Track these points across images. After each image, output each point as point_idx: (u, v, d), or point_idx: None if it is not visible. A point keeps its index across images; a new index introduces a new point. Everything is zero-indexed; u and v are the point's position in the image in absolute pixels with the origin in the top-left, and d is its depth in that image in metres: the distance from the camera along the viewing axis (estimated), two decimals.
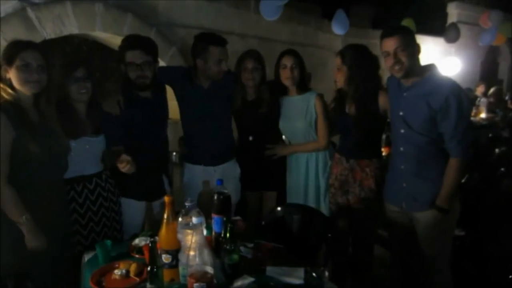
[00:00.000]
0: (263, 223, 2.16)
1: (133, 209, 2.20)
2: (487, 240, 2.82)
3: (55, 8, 2.48)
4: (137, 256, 1.69)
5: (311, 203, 2.47)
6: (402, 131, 1.98)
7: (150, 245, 1.41)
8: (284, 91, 2.49)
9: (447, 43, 7.37)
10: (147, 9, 3.11)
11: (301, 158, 2.51)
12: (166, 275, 1.45)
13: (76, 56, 4.38)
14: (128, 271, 1.55)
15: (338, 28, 4.88)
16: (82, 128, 1.95)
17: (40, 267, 1.67)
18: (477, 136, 4.14)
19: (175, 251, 1.47)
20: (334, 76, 2.31)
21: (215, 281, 1.34)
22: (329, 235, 1.94)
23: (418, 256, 2.04)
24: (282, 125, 2.51)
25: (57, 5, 2.50)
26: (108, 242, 1.74)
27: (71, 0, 2.54)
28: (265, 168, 2.51)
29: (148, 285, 1.38)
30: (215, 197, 1.66)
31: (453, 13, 7.94)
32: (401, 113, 1.97)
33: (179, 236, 1.48)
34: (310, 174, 2.49)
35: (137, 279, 1.52)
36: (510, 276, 2.37)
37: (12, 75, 1.66)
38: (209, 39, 2.26)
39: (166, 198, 1.50)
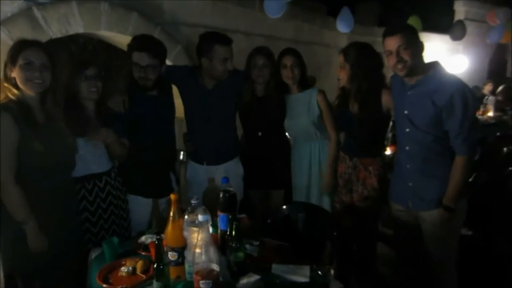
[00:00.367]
0: (268, 221, 2.16)
1: (140, 206, 2.22)
2: (494, 240, 2.80)
3: (60, 7, 2.50)
4: (143, 253, 1.70)
5: (314, 200, 2.47)
6: (407, 130, 1.96)
7: (156, 242, 1.42)
8: (286, 89, 2.49)
9: (454, 41, 7.31)
10: (152, 8, 3.12)
11: (303, 154, 2.51)
12: (172, 272, 1.45)
13: (83, 55, 4.40)
14: (134, 268, 1.56)
15: (343, 26, 4.86)
16: (91, 127, 1.95)
17: (48, 266, 1.68)
18: (485, 134, 4.10)
19: (181, 249, 1.47)
20: (337, 74, 2.30)
21: (221, 278, 1.34)
22: (334, 233, 1.93)
23: (424, 256, 2.03)
24: (286, 123, 2.52)
25: (62, 5, 2.51)
26: (115, 239, 1.75)
27: (76, 0, 2.55)
28: (272, 166, 2.52)
29: (154, 282, 1.39)
30: (221, 195, 1.67)
31: (461, 10, 7.87)
32: (405, 112, 1.96)
33: (185, 233, 1.49)
34: (314, 170, 2.49)
35: (144, 276, 1.52)
36: None
37: (15, 74, 1.66)
38: (214, 38, 2.25)
39: (172, 196, 1.51)
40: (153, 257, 1.51)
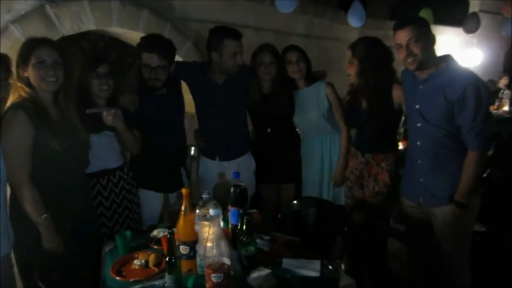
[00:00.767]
0: (279, 216, 2.17)
1: (151, 201, 2.24)
2: (508, 236, 2.76)
3: (73, 5, 2.53)
4: (155, 247, 1.72)
5: (325, 194, 2.47)
6: (419, 124, 1.94)
7: (168, 236, 1.44)
8: (292, 85, 2.49)
9: (467, 34, 7.16)
10: (162, 4, 3.13)
11: (315, 148, 2.50)
12: (184, 266, 1.47)
13: (95, 52, 4.44)
14: (147, 262, 1.59)
15: (355, 20, 4.80)
16: (103, 123, 1.98)
17: (65, 260, 1.70)
18: (499, 129, 4.03)
19: (193, 243, 1.49)
20: (346, 69, 2.29)
21: (232, 272, 1.35)
22: (345, 228, 1.93)
23: (436, 252, 2.01)
24: (295, 118, 2.52)
25: (74, 2, 2.54)
26: (128, 233, 1.78)
27: None
28: (282, 161, 2.52)
29: (166, 275, 1.41)
30: (232, 190, 1.68)
31: (475, 2, 7.69)
32: (417, 106, 1.93)
33: (197, 227, 1.50)
34: (325, 164, 2.49)
35: (156, 269, 1.54)
36: None
37: (29, 73, 1.67)
38: (224, 33, 2.25)
39: (183, 191, 1.52)
40: (165, 251, 1.52)
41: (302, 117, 2.50)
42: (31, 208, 1.65)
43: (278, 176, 2.55)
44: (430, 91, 1.87)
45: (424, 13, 5.65)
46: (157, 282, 1.46)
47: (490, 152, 2.76)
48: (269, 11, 4.06)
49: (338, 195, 2.50)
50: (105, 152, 2.00)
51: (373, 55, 2.18)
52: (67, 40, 2.63)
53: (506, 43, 8.33)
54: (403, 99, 2.11)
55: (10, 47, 2.12)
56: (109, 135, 2.01)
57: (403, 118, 2.36)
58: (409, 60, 1.85)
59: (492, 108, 5.44)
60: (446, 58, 1.88)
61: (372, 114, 2.22)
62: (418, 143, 1.97)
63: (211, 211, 1.49)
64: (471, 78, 1.79)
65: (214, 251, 1.36)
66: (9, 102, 1.64)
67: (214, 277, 1.29)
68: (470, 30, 6.86)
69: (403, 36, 1.85)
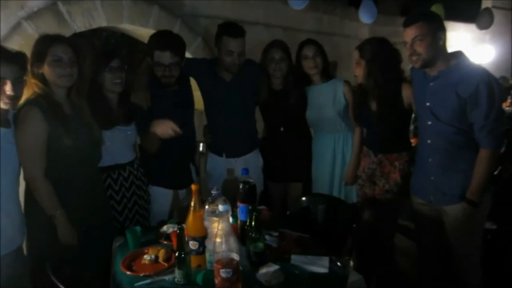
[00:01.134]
0: (288, 213, 2.17)
1: (161, 197, 2.26)
2: None
3: (84, 1, 2.55)
4: (165, 242, 1.74)
5: (336, 193, 2.46)
6: (429, 122, 1.92)
7: (178, 232, 1.45)
8: (307, 81, 2.47)
9: (480, 30, 7.04)
10: (172, 0, 3.14)
11: (326, 147, 2.49)
12: (193, 261, 1.49)
13: (109, 47, 4.48)
14: (157, 257, 1.61)
15: (366, 16, 4.76)
16: (115, 118, 2.00)
17: (78, 254, 1.74)
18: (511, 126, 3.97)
19: (202, 238, 1.50)
20: (353, 70, 2.26)
21: (240, 267, 1.36)
22: (354, 225, 1.93)
23: (447, 249, 2.00)
24: (308, 114, 2.50)
25: None
26: (138, 228, 1.80)
27: None
28: (292, 159, 2.51)
29: (176, 270, 1.43)
30: (241, 186, 1.68)
31: None
32: (427, 104, 1.91)
33: (206, 223, 1.52)
34: (337, 162, 2.47)
35: (166, 264, 1.56)
36: None
37: (44, 70, 1.69)
38: (223, 29, 2.25)
39: (193, 187, 1.54)
40: (175, 246, 1.54)
41: (315, 113, 2.48)
42: (47, 202, 1.69)
43: (286, 175, 2.54)
44: (441, 88, 1.85)
45: (436, 9, 5.56)
46: (166, 277, 1.48)
47: (502, 150, 2.72)
48: (279, 7, 4.05)
49: (350, 193, 2.49)
50: (117, 147, 2.03)
51: (380, 56, 2.16)
52: (78, 37, 2.65)
53: None
54: (413, 98, 2.09)
55: (24, 44, 2.15)
56: (121, 130, 2.04)
57: (413, 115, 2.34)
58: (413, 58, 1.85)
59: (505, 105, 5.36)
60: (457, 54, 1.86)
61: (382, 116, 2.20)
62: (429, 141, 1.95)
63: (220, 207, 1.50)
64: (484, 75, 1.77)
65: (223, 246, 1.37)
66: (23, 99, 1.66)
67: (223, 272, 1.30)
68: (483, 26, 6.75)
69: (409, 34, 1.83)
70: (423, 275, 2.19)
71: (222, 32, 2.24)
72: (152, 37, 2.15)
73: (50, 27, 2.36)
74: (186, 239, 1.49)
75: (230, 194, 1.73)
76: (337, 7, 4.96)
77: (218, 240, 1.41)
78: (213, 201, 1.57)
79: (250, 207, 1.64)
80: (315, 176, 2.55)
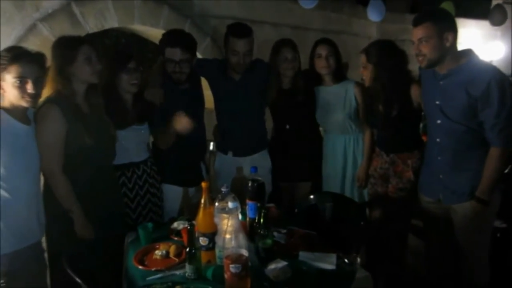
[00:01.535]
0: (296, 210, 2.19)
1: (173, 194, 2.30)
2: None
3: (97, 3, 2.60)
4: (175, 238, 1.78)
5: (348, 192, 2.46)
6: (439, 121, 1.92)
7: (188, 228, 1.49)
8: (318, 80, 2.47)
9: (492, 26, 6.94)
10: (182, 1, 3.18)
11: (337, 148, 2.49)
12: (204, 256, 1.52)
13: (121, 48, 4.54)
14: (168, 252, 1.64)
15: (374, 15, 4.73)
16: (130, 118, 2.05)
17: (92, 248, 1.78)
18: None
19: (212, 234, 1.53)
20: (361, 73, 2.26)
21: (249, 263, 1.39)
22: (362, 223, 1.94)
23: (455, 247, 2.00)
24: (319, 115, 2.50)
25: (99, 0, 2.61)
26: (150, 224, 1.84)
27: None
28: (299, 158, 2.51)
29: (187, 265, 1.47)
30: (249, 184, 1.71)
31: None
32: (437, 102, 1.91)
33: (216, 220, 1.55)
34: (348, 163, 2.47)
35: (176, 259, 1.60)
36: None
37: (76, 69, 1.75)
38: (231, 29, 2.28)
39: (203, 184, 1.57)
40: (185, 242, 1.58)
41: (326, 116, 2.48)
42: (64, 197, 1.75)
43: (293, 174, 2.54)
44: (451, 86, 1.84)
45: (446, 6, 5.51)
46: (177, 272, 1.52)
47: None
48: (287, 6, 4.06)
49: (362, 194, 2.49)
50: (131, 146, 2.08)
51: (387, 60, 2.16)
52: (91, 37, 2.70)
53: None
54: (421, 97, 2.09)
55: (39, 44, 2.21)
56: (135, 130, 2.09)
57: (423, 113, 2.34)
58: (419, 58, 1.86)
59: None
60: (467, 53, 1.86)
61: (389, 118, 2.20)
62: (438, 139, 1.95)
63: (230, 204, 1.53)
64: (495, 74, 1.76)
65: (233, 242, 1.39)
66: (44, 97, 1.72)
67: (232, 268, 1.33)
68: (496, 22, 6.66)
69: (415, 34, 1.84)
70: (431, 274, 2.20)
71: (228, 32, 2.28)
72: (164, 35, 2.22)
73: (64, 28, 2.41)
74: (197, 235, 1.52)
75: (239, 192, 1.76)
76: (345, 5, 4.95)
77: (227, 236, 1.44)
78: (223, 199, 1.60)
79: (258, 205, 1.66)
80: (326, 175, 2.55)
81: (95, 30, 2.62)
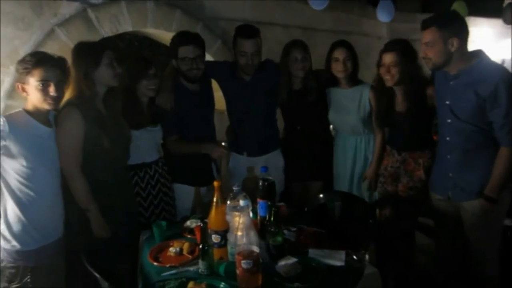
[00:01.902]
0: (305, 209, 2.23)
1: (184, 194, 2.35)
2: None
3: (111, 8, 2.67)
4: (189, 236, 1.83)
5: (355, 191, 2.48)
6: (449, 120, 1.94)
7: (202, 226, 1.54)
8: (333, 81, 2.47)
9: (505, 25, 6.85)
10: (193, 3, 3.24)
11: (348, 148, 2.50)
12: (216, 253, 1.57)
13: (143, 54, 4.65)
14: (181, 249, 1.70)
15: (384, 15, 4.72)
16: (144, 120, 2.12)
17: (109, 245, 1.85)
18: None
19: (224, 232, 1.58)
20: (382, 74, 2.21)
21: (260, 260, 1.43)
22: (370, 221, 1.97)
23: (465, 246, 2.01)
24: (332, 117, 2.51)
25: (113, 5, 2.68)
26: (164, 222, 1.90)
27: (125, 0, 2.72)
28: (312, 158, 2.53)
29: (200, 261, 1.52)
30: (260, 183, 1.75)
31: None
32: (447, 102, 1.94)
33: (228, 218, 1.59)
34: (358, 164, 2.49)
35: (190, 256, 1.65)
36: None
37: (101, 72, 1.82)
38: (238, 31, 2.34)
39: (215, 183, 1.62)
40: (198, 240, 1.63)
41: (339, 117, 2.49)
42: (82, 197, 1.81)
43: (304, 174, 2.55)
44: (461, 87, 1.87)
45: (458, 6, 5.46)
46: (191, 268, 1.57)
47: None
48: (297, 8, 4.08)
49: (371, 193, 2.50)
50: (144, 147, 2.14)
51: (411, 58, 2.15)
52: (106, 41, 2.78)
53: None
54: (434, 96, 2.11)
55: (57, 49, 2.28)
56: (149, 131, 2.16)
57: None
58: (426, 61, 1.91)
59: None
60: (478, 53, 1.87)
61: (410, 116, 2.20)
62: (448, 138, 1.98)
63: (241, 202, 1.58)
64: (503, 75, 1.78)
65: (244, 239, 1.44)
66: (65, 100, 1.79)
67: (244, 263, 1.37)
68: (509, 21, 6.54)
69: (423, 37, 1.87)
70: (440, 272, 2.21)
71: (236, 34, 2.33)
72: (175, 37, 2.28)
73: (80, 33, 2.49)
74: (209, 232, 1.57)
75: (250, 192, 1.80)
76: (355, 6, 4.95)
77: (239, 233, 1.49)
78: (234, 197, 1.65)
79: (269, 203, 1.70)
80: (337, 174, 2.57)
81: (109, 34, 2.69)
